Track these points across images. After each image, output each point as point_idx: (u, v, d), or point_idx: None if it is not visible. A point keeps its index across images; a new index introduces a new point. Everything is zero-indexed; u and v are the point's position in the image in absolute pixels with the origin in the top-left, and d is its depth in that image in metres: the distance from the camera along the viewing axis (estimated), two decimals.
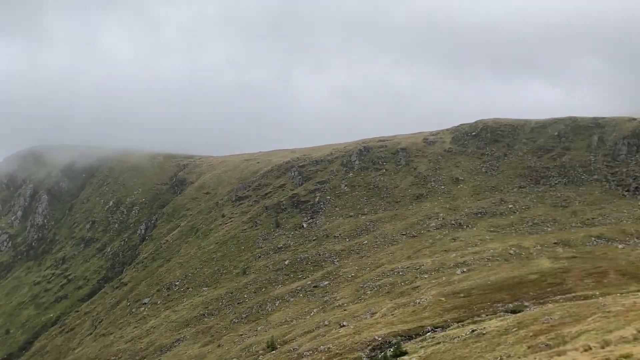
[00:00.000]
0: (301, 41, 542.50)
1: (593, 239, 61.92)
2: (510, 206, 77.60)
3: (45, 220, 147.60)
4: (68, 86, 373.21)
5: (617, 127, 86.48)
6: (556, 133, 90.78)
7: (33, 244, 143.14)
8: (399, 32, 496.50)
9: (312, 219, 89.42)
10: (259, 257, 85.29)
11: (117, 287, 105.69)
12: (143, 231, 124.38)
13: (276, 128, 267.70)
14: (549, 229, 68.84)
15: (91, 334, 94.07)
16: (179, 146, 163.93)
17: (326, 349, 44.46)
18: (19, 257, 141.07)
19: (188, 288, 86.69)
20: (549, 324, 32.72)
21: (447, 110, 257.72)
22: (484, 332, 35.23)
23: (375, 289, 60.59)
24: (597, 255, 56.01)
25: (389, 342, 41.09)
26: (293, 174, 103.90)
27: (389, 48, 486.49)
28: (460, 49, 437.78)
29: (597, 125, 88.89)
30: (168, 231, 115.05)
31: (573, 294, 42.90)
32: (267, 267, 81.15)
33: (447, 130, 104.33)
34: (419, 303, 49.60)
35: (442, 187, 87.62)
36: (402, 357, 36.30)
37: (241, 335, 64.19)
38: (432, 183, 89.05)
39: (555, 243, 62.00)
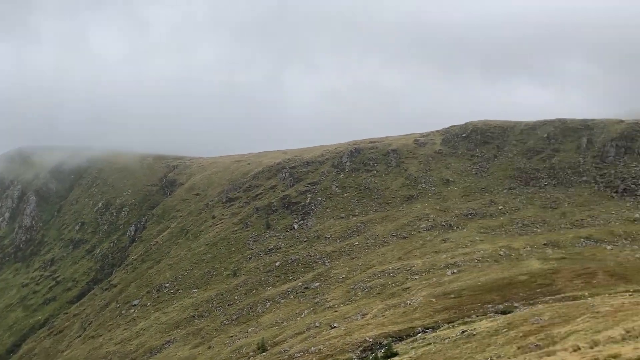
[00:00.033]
0: (291, 42, 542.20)
1: (582, 240, 62.40)
2: (500, 207, 78.02)
3: (34, 222, 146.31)
4: (56, 86, 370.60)
5: (606, 129, 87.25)
6: (546, 135, 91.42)
7: (21, 245, 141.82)
8: (388, 33, 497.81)
9: (303, 220, 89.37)
10: (250, 258, 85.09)
11: (106, 289, 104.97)
12: (133, 233, 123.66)
13: (267, 129, 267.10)
14: (539, 230, 69.29)
15: (80, 336, 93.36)
16: (169, 147, 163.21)
17: (317, 350, 44.42)
18: (7, 259, 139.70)
19: (178, 290, 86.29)
20: (539, 325, 32.91)
21: (437, 111, 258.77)
22: (475, 332, 35.36)
23: (366, 290, 60.64)
24: (586, 256, 56.46)
25: (380, 343, 41.13)
26: (284, 175, 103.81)
27: (378, 49, 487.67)
28: (450, 51, 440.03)
29: (586, 127, 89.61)
30: (158, 233, 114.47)
31: (562, 295, 43.19)
32: (257, 268, 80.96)
33: (437, 131, 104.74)
34: (409, 304, 49.70)
35: (433, 188, 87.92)
36: (393, 358, 36.34)
37: (231, 336, 63.98)
38: (423, 184, 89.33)
39: (544, 244, 62.42)
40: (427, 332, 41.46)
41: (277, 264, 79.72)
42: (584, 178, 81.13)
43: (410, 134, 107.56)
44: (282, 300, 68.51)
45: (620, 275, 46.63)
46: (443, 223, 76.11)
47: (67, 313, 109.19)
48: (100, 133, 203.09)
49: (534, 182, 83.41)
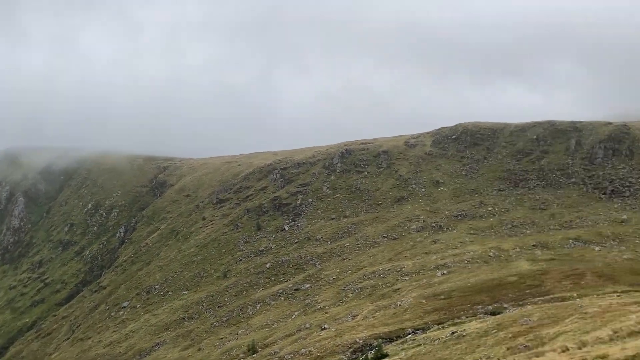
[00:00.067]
0: (282, 44, 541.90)
1: (571, 241, 62.86)
2: (489, 209, 78.41)
3: (22, 223, 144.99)
4: (46, 87, 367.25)
5: (594, 131, 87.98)
6: (535, 137, 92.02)
7: (9, 247, 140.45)
8: (380, 35, 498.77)
9: (294, 221, 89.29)
10: (240, 260, 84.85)
11: (95, 291, 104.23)
12: (122, 234, 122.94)
13: (258, 131, 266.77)
14: (528, 232, 69.71)
15: (68, 338, 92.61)
16: (159, 148, 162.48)
17: (307, 352, 44.37)
18: None
19: (168, 291, 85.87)
20: (528, 326, 33.09)
21: (427, 113, 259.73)
22: (464, 333, 35.49)
23: (357, 291, 60.68)
24: (574, 257, 56.86)
25: (370, 345, 41.17)
26: (275, 176, 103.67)
27: (370, 51, 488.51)
28: (441, 53, 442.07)
29: (575, 129, 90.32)
30: (148, 234, 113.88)
31: (551, 296, 43.46)
32: (248, 270, 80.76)
33: (427, 133, 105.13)
34: (399, 305, 49.79)
35: (423, 189, 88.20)
36: None
37: (222, 338, 63.75)
38: (413, 186, 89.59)
39: (533, 245, 62.80)
40: (417, 333, 41.55)
41: (267, 266, 79.57)
42: (573, 180, 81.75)
43: (401, 136, 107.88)
44: (273, 302, 68.38)
45: (608, 276, 47.01)
46: (433, 224, 76.36)
47: (55, 315, 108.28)
48: (90, 134, 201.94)
49: (523, 184, 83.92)
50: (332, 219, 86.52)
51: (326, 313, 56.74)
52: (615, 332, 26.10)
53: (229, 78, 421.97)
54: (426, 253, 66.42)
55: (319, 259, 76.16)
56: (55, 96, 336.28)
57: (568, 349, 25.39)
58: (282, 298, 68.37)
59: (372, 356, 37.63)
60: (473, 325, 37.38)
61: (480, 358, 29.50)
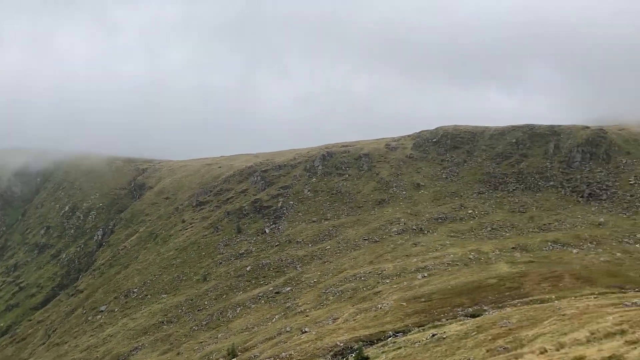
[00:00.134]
0: (263, 46, 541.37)
1: (549, 244, 63.57)
2: (469, 211, 78.97)
3: None
4: (22, 87, 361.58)
5: (572, 135, 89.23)
6: (514, 140, 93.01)
7: None
8: (360, 38, 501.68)
9: (275, 224, 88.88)
10: (220, 263, 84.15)
11: (72, 295, 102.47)
12: (100, 237, 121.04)
13: (238, 133, 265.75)
14: (507, 234, 70.34)
15: (44, 343, 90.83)
16: (138, 150, 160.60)
17: (287, 356, 44.07)
18: None
19: (147, 295, 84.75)
20: (507, 328, 33.28)
21: (407, 116, 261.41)
22: (444, 336, 35.56)
23: (338, 294, 60.54)
24: (553, 259, 57.50)
25: (351, 348, 41.04)
26: (255, 178, 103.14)
27: (350, 54, 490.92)
28: (422, 57, 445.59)
29: (553, 133, 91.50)
30: (126, 237, 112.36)
31: (530, 298, 43.85)
32: (228, 273, 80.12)
33: (408, 136, 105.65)
34: (380, 308, 49.77)
35: (404, 192, 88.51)
36: None
37: (201, 342, 63.08)
38: (394, 188, 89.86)
39: (513, 248, 63.37)
40: (397, 336, 41.56)
41: (248, 269, 79.03)
42: (551, 183, 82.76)
43: (382, 139, 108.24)
44: (253, 305, 67.90)
45: (586, 278, 47.60)
46: (414, 227, 76.63)
47: (30, 320, 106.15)
48: (67, 135, 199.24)
49: (502, 187, 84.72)
50: (313, 221, 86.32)
51: (307, 316, 56.48)
52: (593, 334, 26.34)
53: (209, 80, 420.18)
54: (407, 256, 66.58)
55: (300, 261, 75.87)
56: (32, 97, 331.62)
57: (546, 351, 25.54)
58: (263, 301, 67.92)
59: (353, 359, 37.49)
60: (453, 328, 37.49)
61: None
